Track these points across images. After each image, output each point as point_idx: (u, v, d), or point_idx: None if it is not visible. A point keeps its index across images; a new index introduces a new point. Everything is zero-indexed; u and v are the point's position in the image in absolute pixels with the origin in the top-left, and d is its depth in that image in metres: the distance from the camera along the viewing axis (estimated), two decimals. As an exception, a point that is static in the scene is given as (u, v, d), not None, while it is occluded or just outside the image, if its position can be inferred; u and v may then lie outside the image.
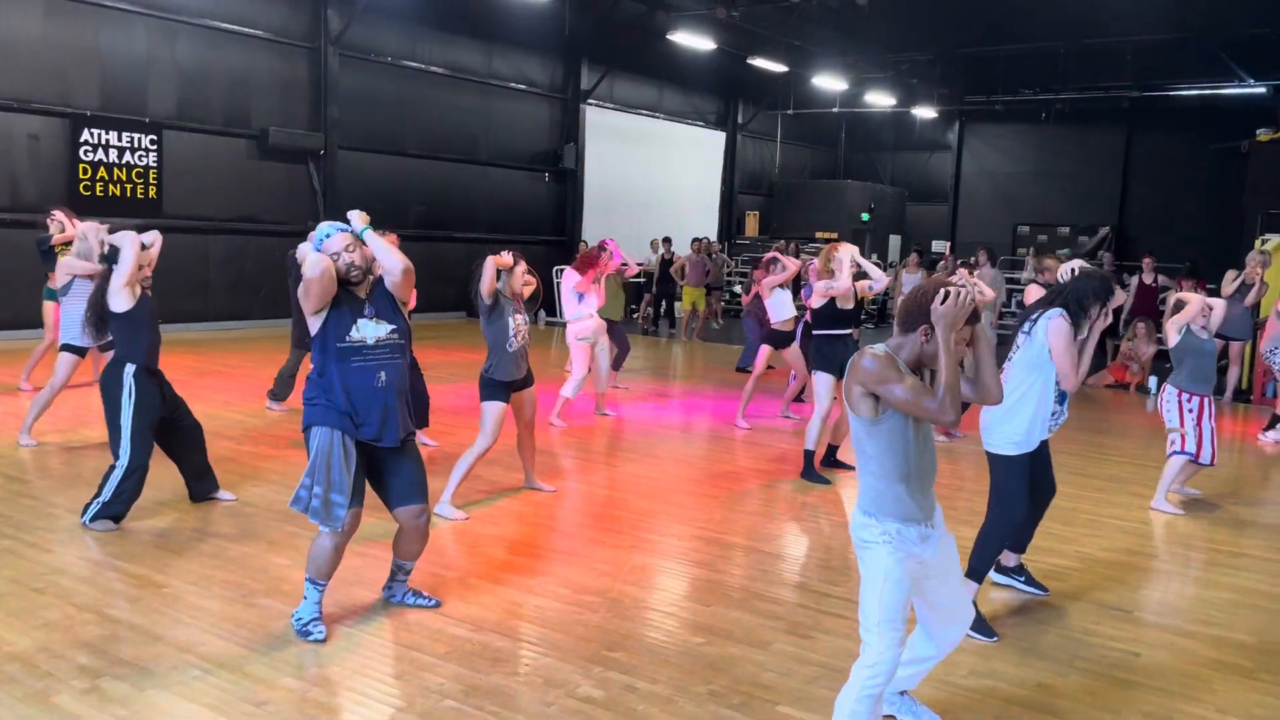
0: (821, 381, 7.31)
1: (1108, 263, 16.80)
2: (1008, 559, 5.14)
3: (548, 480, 6.88)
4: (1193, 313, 6.77)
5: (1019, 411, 4.61)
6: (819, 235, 22.95)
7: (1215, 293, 12.09)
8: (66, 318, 7.47)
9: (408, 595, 4.60)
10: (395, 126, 17.42)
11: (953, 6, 18.08)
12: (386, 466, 4.32)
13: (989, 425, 4.68)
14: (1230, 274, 11.55)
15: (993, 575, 5.11)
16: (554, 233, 20.57)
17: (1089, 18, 17.32)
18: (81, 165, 13.47)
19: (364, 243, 4.20)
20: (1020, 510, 4.71)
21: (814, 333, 7.47)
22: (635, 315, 19.87)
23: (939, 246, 24.89)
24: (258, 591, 4.69)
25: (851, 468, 7.69)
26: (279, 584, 4.79)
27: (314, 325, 4.18)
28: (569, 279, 9.07)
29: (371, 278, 4.25)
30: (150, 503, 5.92)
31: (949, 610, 3.44)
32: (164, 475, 6.21)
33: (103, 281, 5.57)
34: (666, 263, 17.88)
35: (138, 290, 5.51)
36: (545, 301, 17.43)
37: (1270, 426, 9.79)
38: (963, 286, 3.19)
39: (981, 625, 4.50)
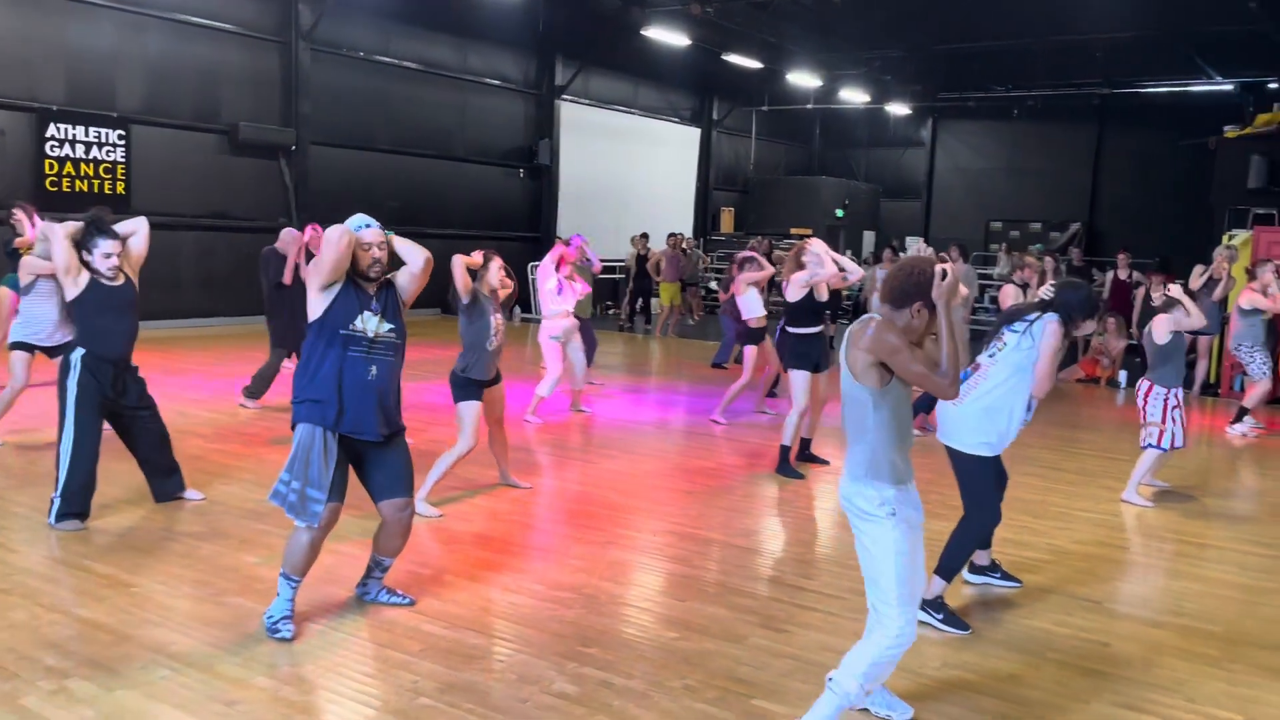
0: (798, 379, 7.32)
1: (1077, 258, 16.95)
2: (979, 558, 5.16)
3: (524, 477, 6.86)
4: (1195, 320, 6.82)
5: (1001, 412, 4.60)
6: (794, 231, 23.01)
7: (1184, 288, 12.24)
8: (25, 315, 7.39)
9: (382, 593, 4.57)
10: (368, 122, 17.31)
11: (925, 4, 18.17)
12: (372, 460, 4.31)
13: (961, 424, 4.64)
14: (1198, 268, 11.69)
15: (968, 576, 5.15)
16: (529, 229, 20.51)
17: (1060, 15, 17.46)
18: (48, 160, 13.28)
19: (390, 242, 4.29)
20: (995, 510, 4.73)
21: (788, 329, 7.46)
22: (612, 311, 19.86)
23: (913, 242, 25.02)
24: (228, 590, 4.65)
25: (826, 461, 7.72)
26: (250, 583, 4.74)
27: (318, 306, 4.14)
28: (545, 275, 9.04)
29: (384, 278, 4.30)
30: (118, 501, 5.86)
31: (921, 577, 3.46)
32: (131, 474, 6.14)
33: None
34: (642, 259, 17.86)
35: (82, 277, 5.39)
36: (520, 298, 17.38)
37: (1238, 419, 9.92)
38: (945, 264, 3.28)
39: (953, 618, 4.53)
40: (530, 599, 4.70)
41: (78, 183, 13.59)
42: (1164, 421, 6.84)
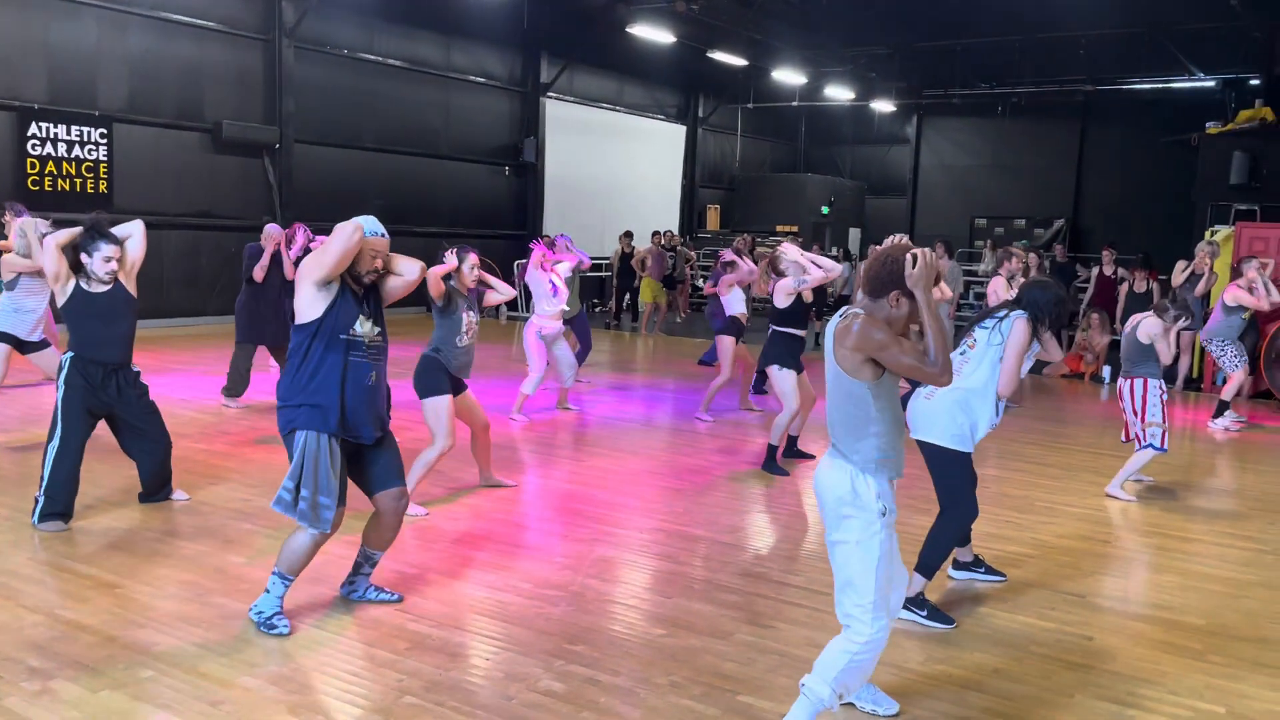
0: (784, 379, 7.35)
1: (1060, 254, 17.03)
2: (962, 554, 5.18)
3: (509, 475, 6.86)
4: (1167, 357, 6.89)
5: (971, 407, 4.61)
6: (780, 229, 23.05)
7: (1167, 283, 12.33)
8: (8, 308, 7.38)
9: (370, 590, 4.57)
10: (352, 120, 17.24)
11: (910, 1, 18.23)
12: (366, 456, 4.33)
13: (932, 418, 4.64)
14: (1181, 264, 11.77)
15: (952, 572, 5.18)
16: (514, 227, 20.47)
17: (1044, 12, 17.55)
18: (30, 160, 13.19)
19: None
20: (973, 506, 4.74)
21: (775, 329, 7.48)
22: (599, 309, 19.85)
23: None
24: (214, 590, 4.63)
25: (812, 456, 7.75)
26: (235, 583, 4.73)
27: (315, 307, 4.09)
28: (536, 280, 8.99)
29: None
30: (102, 502, 5.83)
31: (899, 573, 3.46)
32: (113, 474, 6.12)
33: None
34: (627, 256, 17.87)
35: (69, 284, 5.38)
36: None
37: (1218, 414, 9.99)
38: (923, 249, 3.24)
39: (937, 613, 4.55)
40: (516, 597, 4.70)
41: (60, 182, 13.50)
42: (1164, 420, 6.86)
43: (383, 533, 4.47)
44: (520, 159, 20.43)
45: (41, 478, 5.38)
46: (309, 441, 4.10)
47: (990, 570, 5.20)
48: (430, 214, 18.51)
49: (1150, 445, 6.90)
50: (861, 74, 23.49)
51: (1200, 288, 11.45)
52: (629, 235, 18.29)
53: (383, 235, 4.20)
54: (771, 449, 7.43)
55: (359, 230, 4.06)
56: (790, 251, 7.43)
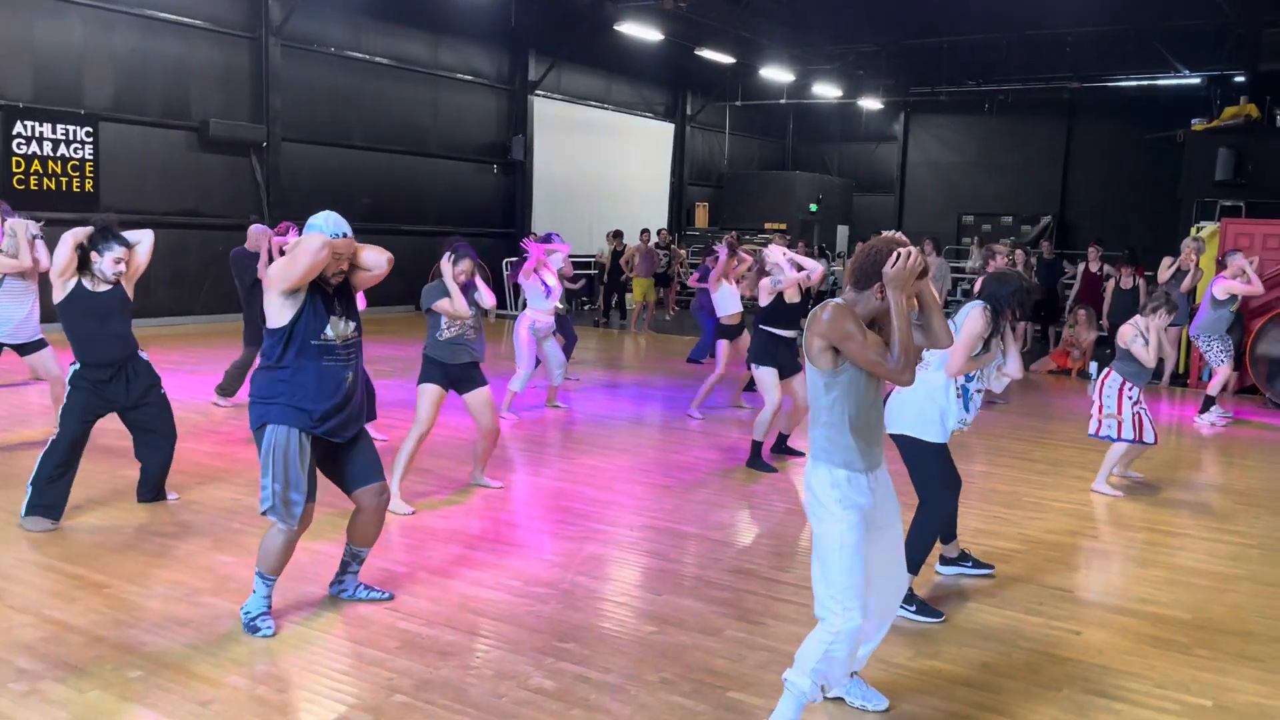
0: (766, 376, 7.40)
1: (1047, 251, 17.09)
2: (949, 550, 5.20)
3: (498, 473, 6.85)
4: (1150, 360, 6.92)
5: (939, 396, 4.62)
6: (768, 226, 23.07)
7: (1153, 280, 12.40)
8: None
9: (359, 589, 4.57)
10: (340, 118, 17.18)
11: (897, -1, 18.30)
12: (341, 454, 4.32)
13: (901, 409, 4.64)
14: (1166, 260, 11.84)
15: (940, 569, 5.20)
16: (503, 225, 20.44)
17: (1030, 10, 17.62)
18: (15, 159, 13.11)
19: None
20: (949, 498, 4.75)
21: (759, 327, 7.54)
22: (588, 308, 19.83)
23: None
24: (202, 590, 4.62)
25: (802, 454, 7.77)
26: (224, 582, 4.72)
27: (283, 314, 4.09)
28: (530, 284, 8.97)
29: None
30: (90, 502, 5.81)
31: (886, 573, 3.47)
32: (101, 474, 6.10)
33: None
34: (617, 255, 17.86)
35: (70, 281, 5.42)
36: (495, 295, 17.31)
37: (1205, 409, 10.05)
38: (912, 248, 3.25)
39: (925, 607, 4.58)
40: (507, 595, 4.70)
41: (45, 181, 13.42)
42: (1119, 411, 6.90)
43: (366, 528, 4.46)
44: (508, 157, 20.40)
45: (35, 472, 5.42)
46: (278, 436, 4.09)
47: (978, 564, 5.22)
48: (418, 212, 18.46)
49: (1107, 436, 6.95)
50: (849, 72, 23.52)
51: (1186, 284, 11.51)
52: (618, 234, 18.28)
53: (345, 235, 4.14)
54: (756, 445, 7.46)
55: (326, 247, 4.02)
56: (773, 253, 7.56)
